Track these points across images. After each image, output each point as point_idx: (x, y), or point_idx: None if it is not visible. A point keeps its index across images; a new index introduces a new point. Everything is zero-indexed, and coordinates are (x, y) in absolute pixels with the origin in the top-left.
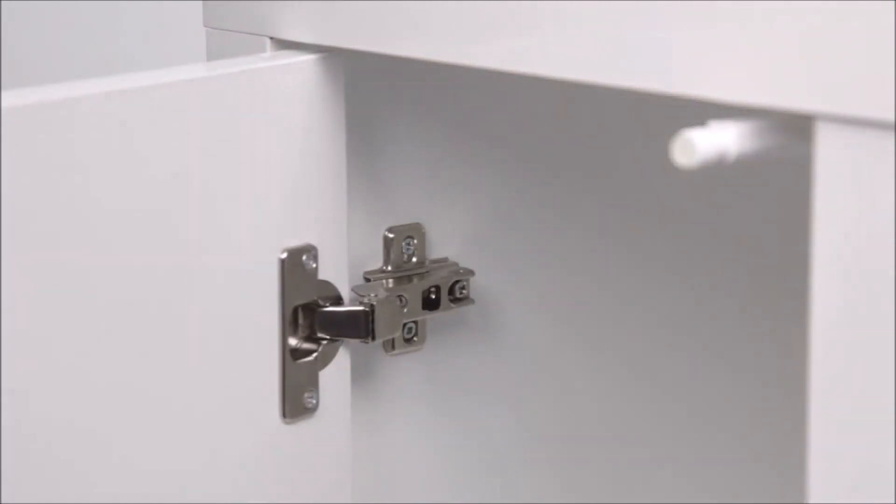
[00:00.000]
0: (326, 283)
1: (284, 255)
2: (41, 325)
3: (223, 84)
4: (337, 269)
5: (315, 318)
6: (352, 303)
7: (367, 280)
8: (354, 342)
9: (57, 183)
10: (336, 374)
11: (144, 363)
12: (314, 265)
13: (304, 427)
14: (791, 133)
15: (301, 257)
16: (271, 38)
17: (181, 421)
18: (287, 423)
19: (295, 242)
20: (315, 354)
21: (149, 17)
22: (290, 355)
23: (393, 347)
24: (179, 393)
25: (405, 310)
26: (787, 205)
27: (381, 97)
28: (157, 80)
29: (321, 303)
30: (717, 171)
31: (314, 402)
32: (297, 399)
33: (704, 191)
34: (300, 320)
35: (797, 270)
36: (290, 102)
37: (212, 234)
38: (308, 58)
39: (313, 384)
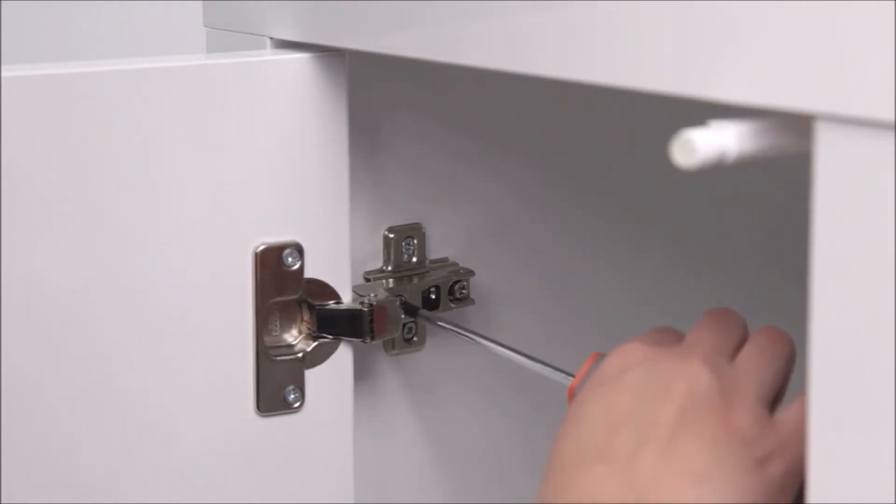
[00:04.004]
0: (318, 282)
1: (259, 251)
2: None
3: (212, 73)
4: (333, 269)
5: (314, 316)
6: (351, 302)
7: (367, 280)
8: (354, 342)
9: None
10: (332, 373)
11: (117, 350)
12: (298, 263)
13: (286, 423)
14: (791, 133)
15: (280, 254)
16: (271, 38)
17: (155, 409)
18: (263, 417)
19: (277, 239)
20: (301, 353)
21: (149, 17)
22: (270, 351)
23: (393, 347)
24: (153, 382)
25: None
26: (787, 205)
27: (381, 97)
28: (147, 65)
29: (312, 301)
30: (717, 171)
31: (297, 398)
32: (274, 394)
33: (704, 191)
34: (303, 317)
35: (797, 270)
36: (281, 99)
37: (186, 224)
38: (304, 56)
39: (296, 381)
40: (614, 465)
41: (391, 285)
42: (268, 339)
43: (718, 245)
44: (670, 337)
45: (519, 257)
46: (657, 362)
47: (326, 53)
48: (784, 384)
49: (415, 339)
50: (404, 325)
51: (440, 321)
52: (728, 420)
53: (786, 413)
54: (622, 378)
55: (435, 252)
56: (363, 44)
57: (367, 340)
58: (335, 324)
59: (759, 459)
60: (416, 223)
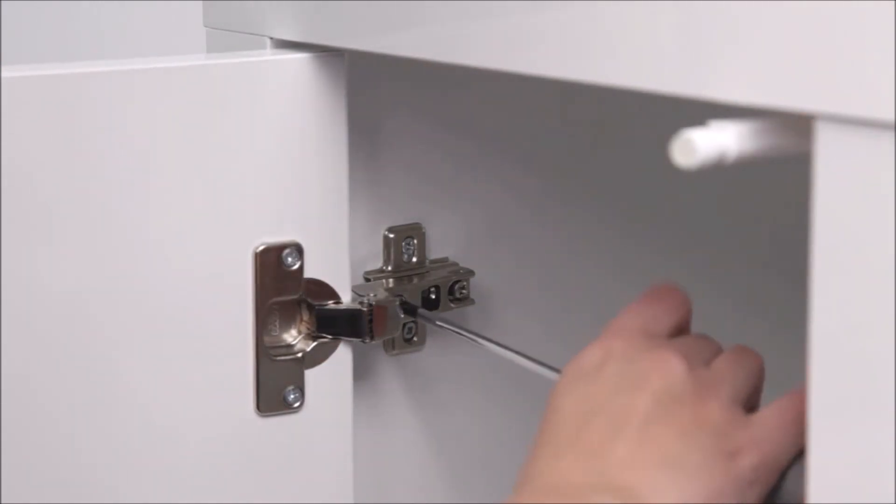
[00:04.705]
0: (317, 282)
1: (258, 251)
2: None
3: (212, 73)
4: (333, 269)
5: (314, 316)
6: (351, 302)
7: (367, 280)
8: (353, 342)
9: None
10: (332, 374)
11: (118, 350)
12: (298, 263)
13: (286, 423)
14: (791, 133)
15: (280, 254)
16: (271, 38)
17: (155, 410)
18: (263, 417)
19: (277, 239)
20: (301, 353)
21: (149, 17)
22: (270, 351)
23: (393, 347)
24: (153, 382)
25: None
26: (787, 205)
27: (381, 97)
28: (147, 65)
29: (312, 301)
30: (717, 171)
31: (297, 398)
32: (274, 394)
33: (704, 191)
34: (303, 317)
35: (797, 270)
36: (281, 99)
37: (186, 224)
38: (304, 56)
39: (296, 381)
40: (586, 452)
41: (391, 285)
42: (268, 339)
43: (718, 245)
44: (661, 323)
45: (519, 257)
46: (634, 356)
47: (326, 53)
48: (756, 396)
49: (415, 339)
50: (404, 325)
51: (439, 321)
52: (700, 413)
53: (763, 412)
54: (599, 374)
55: (435, 252)
56: (363, 44)
57: (367, 340)
58: (335, 324)
59: (729, 452)
60: (416, 223)
